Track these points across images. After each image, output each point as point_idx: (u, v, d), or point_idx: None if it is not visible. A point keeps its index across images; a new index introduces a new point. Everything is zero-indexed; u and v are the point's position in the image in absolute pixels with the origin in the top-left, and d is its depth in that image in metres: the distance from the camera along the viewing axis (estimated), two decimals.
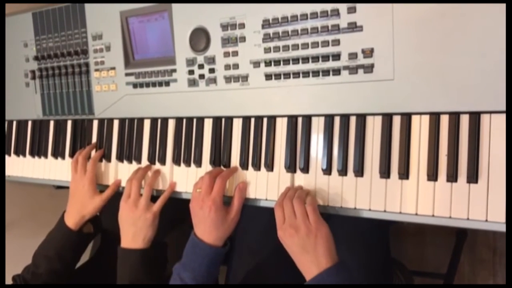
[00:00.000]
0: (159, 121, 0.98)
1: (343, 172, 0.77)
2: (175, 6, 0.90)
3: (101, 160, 1.05)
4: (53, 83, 1.10)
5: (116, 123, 1.04)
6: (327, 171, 0.79)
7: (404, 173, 0.72)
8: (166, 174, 0.97)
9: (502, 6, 0.63)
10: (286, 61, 0.80)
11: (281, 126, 0.84)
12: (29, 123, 1.19)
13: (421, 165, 0.71)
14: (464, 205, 0.68)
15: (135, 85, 0.98)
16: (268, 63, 0.82)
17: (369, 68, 0.73)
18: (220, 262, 0.83)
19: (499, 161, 0.65)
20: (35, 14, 1.10)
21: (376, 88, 0.73)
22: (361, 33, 0.74)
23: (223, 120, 0.90)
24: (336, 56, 0.76)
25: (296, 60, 0.79)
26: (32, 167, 1.18)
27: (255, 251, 0.98)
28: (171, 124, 0.97)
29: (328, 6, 0.75)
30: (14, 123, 1.23)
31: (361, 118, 0.76)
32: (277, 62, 0.81)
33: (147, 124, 1.00)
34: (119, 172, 1.03)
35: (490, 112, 0.66)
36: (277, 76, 0.81)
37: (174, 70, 0.92)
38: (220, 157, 0.90)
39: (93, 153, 1.05)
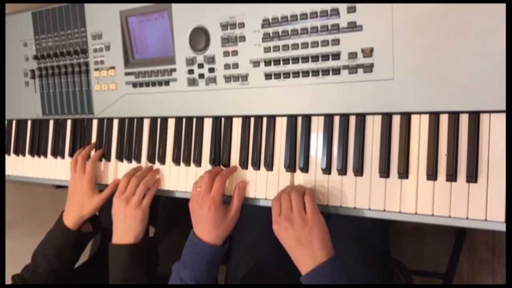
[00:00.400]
0: (158, 120, 0.98)
1: (342, 171, 0.77)
2: (174, 6, 0.90)
3: (101, 160, 1.05)
4: (53, 82, 1.10)
5: (115, 123, 1.04)
6: (327, 170, 0.79)
7: (404, 173, 0.72)
8: (165, 173, 0.97)
9: (502, 6, 0.63)
10: (286, 61, 0.80)
11: (281, 126, 0.84)
12: (29, 122, 1.19)
13: (420, 164, 0.71)
14: (463, 205, 0.68)
15: (134, 85, 0.98)
16: (267, 63, 0.82)
17: (368, 68, 0.73)
18: (219, 261, 0.83)
19: (499, 161, 0.65)
20: (34, 13, 1.10)
21: (376, 87, 0.73)
22: (360, 33, 0.74)
23: (222, 119, 0.90)
24: (336, 56, 0.76)
25: (295, 60, 0.79)
26: (32, 167, 1.18)
27: (254, 251, 0.98)
28: (171, 123, 0.97)
29: (328, 6, 0.75)
30: (14, 122, 1.22)
31: (361, 118, 0.76)
32: (276, 62, 0.81)
33: (146, 123, 1.00)
34: (119, 171, 1.03)
35: (490, 112, 0.66)
36: (277, 75, 0.82)
37: (174, 70, 0.93)
38: (219, 157, 0.90)
39: (92, 153, 1.05)
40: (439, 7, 0.67)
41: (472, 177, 0.67)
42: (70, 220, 0.97)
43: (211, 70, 0.88)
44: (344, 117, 0.77)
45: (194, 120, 0.93)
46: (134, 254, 0.89)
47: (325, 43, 0.76)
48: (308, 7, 0.77)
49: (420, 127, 0.72)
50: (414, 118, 0.72)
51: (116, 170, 1.04)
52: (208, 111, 0.91)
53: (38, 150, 1.16)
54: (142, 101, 0.98)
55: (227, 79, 0.87)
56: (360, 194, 0.76)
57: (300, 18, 0.78)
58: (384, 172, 0.73)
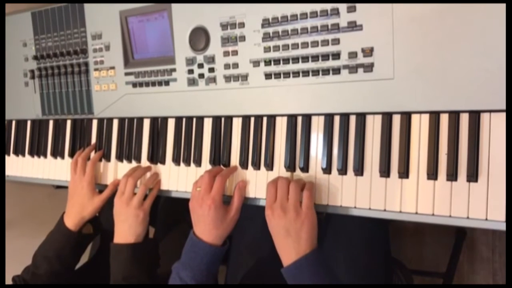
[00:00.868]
0: (158, 120, 0.98)
1: (343, 171, 0.77)
2: (174, 6, 0.90)
3: (101, 160, 1.05)
4: (53, 82, 1.10)
5: (115, 123, 1.04)
6: (327, 170, 0.79)
7: (404, 172, 0.72)
8: (165, 173, 0.96)
9: (502, 6, 0.63)
10: (286, 60, 0.80)
11: (281, 125, 0.84)
12: (29, 122, 1.19)
13: (421, 164, 0.71)
14: (464, 204, 0.68)
15: (134, 85, 0.98)
16: (267, 62, 0.82)
17: (369, 67, 0.73)
18: (219, 261, 0.83)
19: (499, 160, 0.65)
20: (34, 13, 1.10)
21: (376, 87, 0.73)
22: (361, 32, 0.74)
23: (222, 119, 0.90)
24: (336, 55, 0.76)
25: (296, 59, 0.79)
26: (32, 167, 1.18)
27: (254, 250, 0.98)
28: (171, 123, 0.96)
29: (328, 6, 0.75)
30: (14, 122, 1.22)
31: (361, 117, 0.76)
32: (276, 61, 0.81)
33: (146, 123, 1.00)
34: (119, 171, 1.03)
35: (490, 111, 0.66)
36: (277, 75, 0.81)
37: (174, 70, 0.92)
38: (219, 157, 0.90)
39: (92, 154, 1.05)
40: (439, 7, 0.67)
41: (473, 176, 0.67)
42: (71, 222, 0.97)
43: (211, 70, 0.88)
44: (344, 117, 0.77)
45: (194, 120, 0.93)
46: (135, 253, 0.89)
47: (325, 42, 0.76)
48: (308, 7, 0.77)
49: (420, 127, 0.72)
50: (415, 118, 0.72)
51: (116, 170, 1.03)
52: (208, 111, 0.91)
53: (37, 150, 1.16)
54: (142, 101, 0.98)
55: (227, 79, 0.87)
56: (361, 194, 0.76)
57: (300, 18, 0.78)
58: (385, 171, 0.73)
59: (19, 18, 1.12)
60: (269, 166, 0.84)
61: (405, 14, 0.70)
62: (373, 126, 0.75)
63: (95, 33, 1.01)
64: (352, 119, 0.77)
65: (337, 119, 0.78)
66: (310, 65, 0.78)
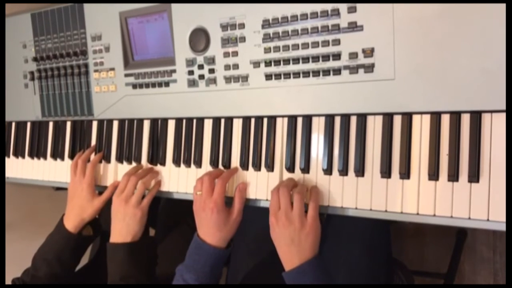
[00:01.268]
0: (159, 121, 0.98)
1: (343, 172, 0.77)
2: (174, 6, 0.89)
3: (101, 161, 1.05)
4: (52, 84, 1.10)
5: (115, 124, 1.04)
6: (328, 171, 0.78)
7: (405, 173, 0.72)
8: (165, 174, 0.96)
9: (502, 6, 0.63)
10: (286, 61, 0.80)
11: (282, 126, 0.83)
12: (28, 124, 1.19)
13: (422, 164, 0.71)
14: (465, 205, 0.67)
15: (134, 86, 0.98)
16: (268, 63, 0.82)
17: (369, 68, 0.73)
18: (223, 264, 0.83)
19: (501, 160, 0.65)
20: (33, 15, 1.10)
21: (377, 87, 0.73)
22: (361, 33, 0.73)
23: (223, 120, 0.90)
24: (337, 56, 0.76)
25: (296, 60, 0.79)
26: (31, 169, 1.18)
27: (255, 251, 0.98)
28: (171, 124, 0.96)
29: (328, 6, 0.75)
30: (13, 124, 1.22)
31: (362, 118, 0.76)
32: (277, 62, 0.81)
33: (146, 124, 0.99)
34: (119, 173, 1.03)
35: (491, 111, 0.66)
36: (277, 76, 0.81)
37: (174, 71, 0.92)
38: (220, 158, 0.90)
39: (92, 156, 1.05)
40: (440, 7, 0.67)
41: (474, 177, 0.67)
42: (71, 224, 0.97)
43: (211, 71, 0.88)
44: (345, 118, 0.77)
45: (194, 121, 0.93)
46: (132, 252, 0.89)
47: (325, 43, 0.76)
48: (308, 7, 0.77)
49: (421, 127, 0.72)
50: (416, 118, 0.72)
51: (116, 171, 1.03)
52: (208, 112, 0.91)
53: (37, 152, 1.16)
54: (142, 103, 0.98)
55: (227, 80, 0.87)
56: (362, 195, 0.76)
57: (301, 19, 0.78)
58: (386, 172, 0.73)
59: (19, 19, 1.12)
60: (270, 167, 0.84)
61: (405, 15, 0.69)
62: (374, 127, 0.75)
63: (95, 34, 1.01)
64: (353, 120, 0.77)
65: (337, 120, 0.78)
66: (311, 65, 0.78)
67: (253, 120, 0.86)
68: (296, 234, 0.72)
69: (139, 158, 1.00)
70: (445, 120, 0.70)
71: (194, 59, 0.90)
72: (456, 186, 0.68)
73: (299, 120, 0.82)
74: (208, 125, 0.91)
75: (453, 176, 0.68)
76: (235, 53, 0.85)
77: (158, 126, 0.98)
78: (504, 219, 0.65)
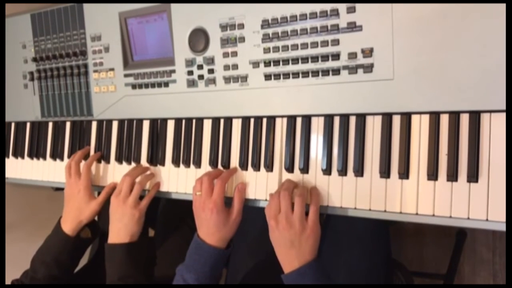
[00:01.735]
0: (158, 122, 0.98)
1: (343, 172, 0.77)
2: (174, 7, 0.89)
3: (100, 162, 1.05)
4: (52, 84, 1.10)
5: (115, 124, 1.04)
6: (327, 171, 0.78)
7: (404, 173, 0.72)
8: (165, 175, 0.96)
9: (502, 6, 0.63)
10: (286, 61, 0.80)
11: (281, 127, 0.83)
12: (28, 124, 1.19)
13: (421, 164, 0.71)
14: (464, 205, 0.67)
15: (134, 86, 0.98)
16: (267, 63, 0.82)
17: (368, 68, 0.73)
18: (223, 264, 0.83)
19: (500, 160, 0.65)
20: (33, 15, 1.10)
21: (376, 87, 0.73)
22: (360, 33, 0.73)
23: (222, 120, 0.90)
24: (336, 56, 0.76)
25: (295, 60, 0.79)
26: (31, 169, 1.18)
27: (254, 251, 0.98)
28: (170, 125, 0.96)
29: (328, 6, 0.75)
30: (13, 124, 1.22)
31: (361, 118, 0.76)
32: (276, 62, 0.81)
33: (146, 125, 0.99)
34: (118, 173, 1.02)
35: (490, 111, 0.66)
36: (277, 76, 0.81)
37: (173, 71, 0.92)
38: (219, 158, 0.90)
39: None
40: (439, 7, 0.67)
41: (473, 177, 0.67)
42: (69, 226, 0.96)
43: (211, 71, 0.88)
44: (344, 118, 0.77)
45: (194, 121, 0.93)
46: (130, 253, 0.89)
47: (324, 43, 0.76)
48: (307, 8, 0.77)
49: (420, 127, 0.72)
50: (415, 118, 0.72)
51: (116, 172, 1.03)
52: (207, 112, 0.91)
53: (37, 152, 1.16)
54: (141, 103, 0.98)
55: (227, 80, 0.87)
56: (361, 195, 0.76)
57: (300, 19, 0.78)
58: (385, 172, 0.73)
59: (18, 20, 1.12)
60: (269, 167, 0.84)
61: (405, 15, 0.70)
62: (373, 127, 0.75)
63: (95, 34, 1.01)
64: (352, 120, 0.77)
65: (337, 120, 0.78)
66: (310, 66, 0.78)
67: (252, 120, 0.86)
68: (297, 237, 0.72)
69: (139, 158, 1.00)
70: (444, 120, 0.70)
71: (193, 60, 0.90)
72: (455, 186, 0.68)
73: (298, 120, 0.82)
74: (207, 125, 0.91)
75: (452, 176, 0.68)
76: (235, 53, 0.85)
77: (158, 126, 0.98)
78: (503, 219, 0.64)
